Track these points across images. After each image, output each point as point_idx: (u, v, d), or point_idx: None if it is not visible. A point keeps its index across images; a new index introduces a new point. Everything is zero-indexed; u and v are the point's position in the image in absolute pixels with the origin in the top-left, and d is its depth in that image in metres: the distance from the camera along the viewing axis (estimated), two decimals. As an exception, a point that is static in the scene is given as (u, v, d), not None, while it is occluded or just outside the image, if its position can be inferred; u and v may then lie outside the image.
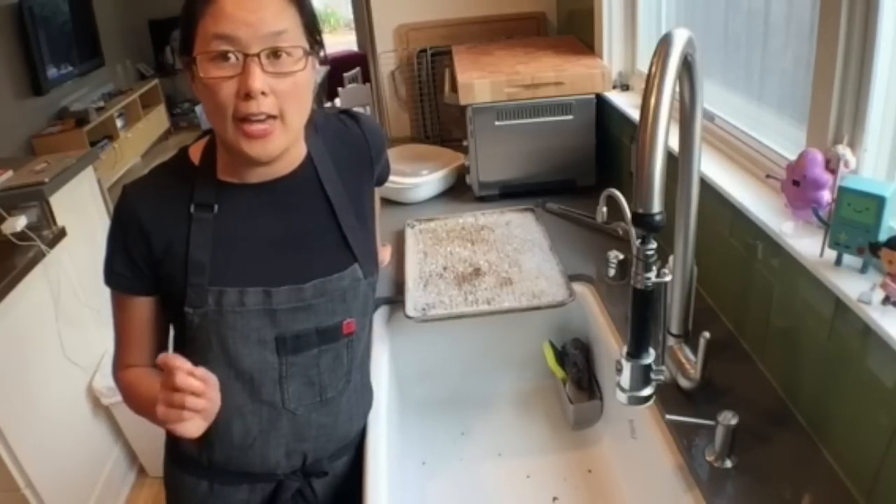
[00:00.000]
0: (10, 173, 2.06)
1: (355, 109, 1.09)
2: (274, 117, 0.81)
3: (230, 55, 0.77)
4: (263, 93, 0.78)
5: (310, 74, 0.84)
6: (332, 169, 0.96)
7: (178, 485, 1.03)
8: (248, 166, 0.88)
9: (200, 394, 0.77)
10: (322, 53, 0.89)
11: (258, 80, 0.77)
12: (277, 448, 0.98)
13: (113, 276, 0.90)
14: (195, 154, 0.91)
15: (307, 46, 0.83)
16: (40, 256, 1.88)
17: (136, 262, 0.88)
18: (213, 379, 0.80)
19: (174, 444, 1.03)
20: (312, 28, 0.85)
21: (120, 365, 0.95)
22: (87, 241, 2.19)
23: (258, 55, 0.78)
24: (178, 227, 0.88)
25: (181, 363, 0.76)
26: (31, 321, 1.89)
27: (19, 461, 1.73)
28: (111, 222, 0.90)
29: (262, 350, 0.91)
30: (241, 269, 0.89)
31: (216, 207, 0.89)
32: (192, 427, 0.79)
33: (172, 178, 0.90)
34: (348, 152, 1.00)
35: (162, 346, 0.97)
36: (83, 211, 2.26)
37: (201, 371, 0.78)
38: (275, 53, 0.79)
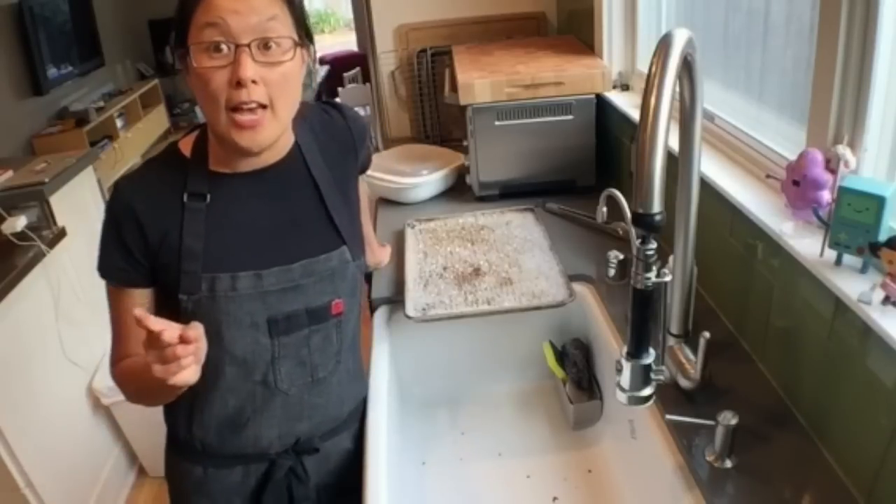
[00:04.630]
0: (10, 173, 2.06)
1: (356, 108, 1.11)
2: (264, 107, 0.84)
3: (222, 46, 0.80)
4: (254, 81, 0.81)
5: (298, 66, 0.87)
6: (318, 156, 1.00)
7: (175, 473, 1.06)
8: (239, 156, 0.91)
9: (188, 342, 0.76)
10: (312, 50, 0.92)
11: (249, 69, 0.80)
12: (270, 429, 1.00)
13: (109, 269, 0.91)
14: (185, 147, 0.94)
15: (296, 38, 0.86)
16: (40, 256, 1.88)
17: (132, 255, 0.89)
18: (195, 329, 0.78)
19: (172, 433, 1.05)
20: (301, 22, 0.88)
21: (117, 358, 0.96)
22: (87, 241, 2.19)
23: (248, 45, 0.80)
24: (172, 217, 0.90)
25: (160, 325, 0.75)
26: (31, 321, 1.89)
27: (19, 461, 1.73)
28: (105, 217, 0.91)
29: (255, 333, 0.94)
30: (233, 254, 0.92)
31: (208, 197, 0.91)
32: (191, 374, 0.77)
33: (164, 170, 0.93)
34: (333, 140, 1.03)
35: None
36: (83, 211, 2.26)
37: (178, 325, 0.77)
38: (265, 44, 0.82)
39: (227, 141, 0.85)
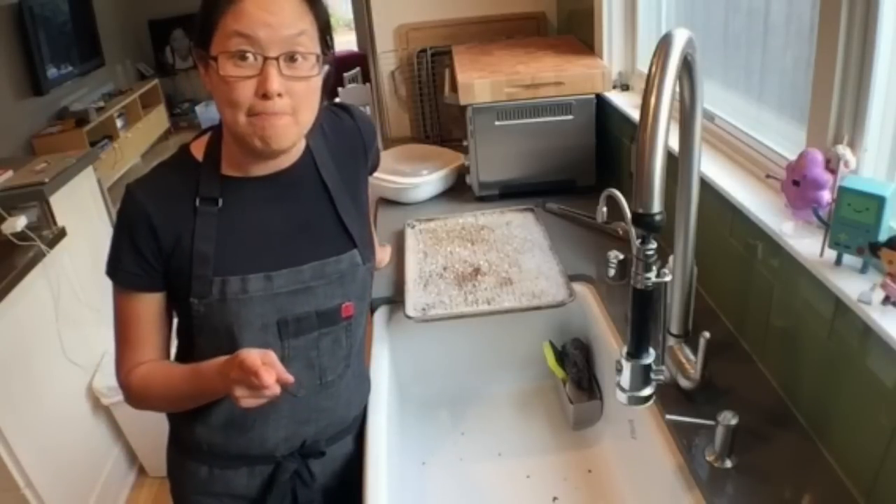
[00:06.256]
0: (10, 173, 2.06)
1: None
2: (286, 114, 0.84)
3: (249, 55, 0.81)
4: (279, 94, 0.82)
5: (321, 78, 0.88)
6: (329, 159, 1.00)
7: (179, 472, 1.06)
8: (255, 158, 0.91)
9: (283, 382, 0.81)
10: (331, 55, 0.92)
11: (276, 82, 0.81)
12: (277, 430, 1.00)
13: (123, 274, 0.91)
14: (197, 150, 0.94)
15: (320, 52, 0.86)
16: (40, 256, 1.88)
17: (146, 259, 0.89)
18: (290, 378, 0.82)
19: (176, 432, 1.05)
20: (326, 32, 0.88)
21: (128, 366, 0.95)
22: (87, 241, 2.19)
23: (277, 59, 0.81)
24: (184, 221, 0.90)
25: (266, 371, 0.79)
26: (31, 321, 1.89)
27: (19, 461, 1.73)
28: (117, 221, 0.91)
29: (265, 335, 0.94)
30: (244, 258, 0.92)
31: (220, 201, 0.91)
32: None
33: (176, 174, 0.93)
34: (343, 142, 1.04)
35: (167, 340, 0.98)
36: (83, 211, 2.26)
37: (270, 358, 0.81)
38: (291, 57, 0.82)
39: (247, 141, 0.86)
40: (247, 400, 0.81)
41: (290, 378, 0.81)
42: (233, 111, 0.83)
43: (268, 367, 0.79)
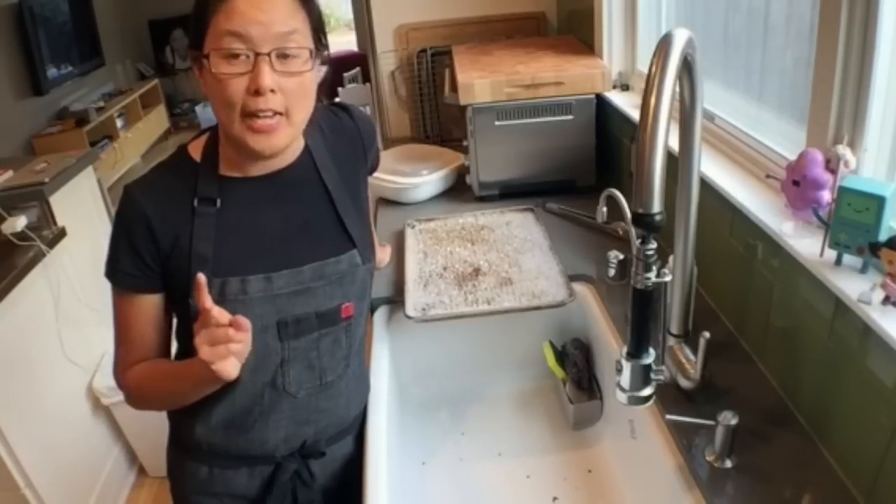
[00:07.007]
0: (10, 173, 2.06)
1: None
2: (280, 114, 0.84)
3: (241, 53, 0.81)
4: (272, 90, 0.82)
5: (315, 74, 0.88)
6: (328, 159, 1.00)
7: (179, 472, 1.05)
8: (251, 160, 0.91)
9: (239, 329, 0.80)
10: (326, 54, 0.92)
11: (268, 77, 0.81)
12: (277, 431, 1.00)
13: (121, 275, 0.90)
14: (195, 151, 0.94)
15: (313, 48, 0.86)
16: (40, 256, 1.88)
17: (144, 260, 0.89)
18: (245, 321, 0.81)
19: (176, 432, 1.05)
20: (319, 30, 0.88)
21: (125, 365, 0.95)
22: (87, 241, 2.19)
23: (269, 54, 0.81)
24: (182, 222, 0.89)
25: (212, 304, 0.79)
26: (31, 321, 1.89)
27: (19, 461, 1.73)
28: (115, 222, 0.90)
29: (265, 336, 0.93)
30: (243, 258, 0.92)
31: (219, 201, 0.91)
32: (232, 366, 0.81)
33: (174, 175, 0.92)
34: (342, 142, 1.04)
35: (167, 342, 0.98)
36: (83, 211, 2.26)
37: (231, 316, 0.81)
38: (283, 54, 0.82)
39: (241, 144, 0.86)
40: (205, 348, 0.79)
41: (246, 322, 0.80)
42: (227, 112, 0.83)
43: (225, 313, 0.79)
